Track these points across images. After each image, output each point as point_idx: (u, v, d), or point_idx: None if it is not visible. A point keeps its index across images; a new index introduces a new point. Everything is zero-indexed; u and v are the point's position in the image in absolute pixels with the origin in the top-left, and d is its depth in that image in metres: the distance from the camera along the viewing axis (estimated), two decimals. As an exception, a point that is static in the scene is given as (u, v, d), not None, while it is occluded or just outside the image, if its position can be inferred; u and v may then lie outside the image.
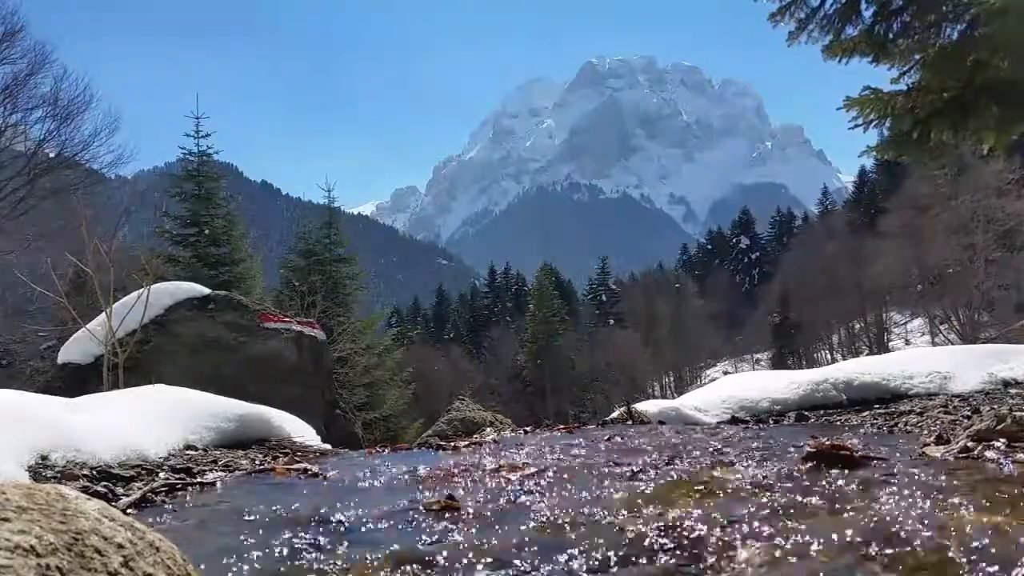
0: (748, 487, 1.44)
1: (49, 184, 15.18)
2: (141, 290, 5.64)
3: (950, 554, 0.93)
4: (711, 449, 2.14)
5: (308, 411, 4.44)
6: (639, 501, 1.36)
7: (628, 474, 1.67)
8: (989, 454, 1.62)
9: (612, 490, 1.48)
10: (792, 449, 1.97)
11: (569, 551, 1.04)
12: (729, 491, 1.40)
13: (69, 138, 15.73)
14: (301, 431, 2.92)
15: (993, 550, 0.93)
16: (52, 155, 15.75)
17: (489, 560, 1.02)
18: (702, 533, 1.09)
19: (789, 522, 1.14)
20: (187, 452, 2.20)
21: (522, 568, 0.99)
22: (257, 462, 2.20)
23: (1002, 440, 1.70)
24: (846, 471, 1.55)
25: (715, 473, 1.63)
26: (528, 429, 4.02)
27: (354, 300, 15.95)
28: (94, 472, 1.68)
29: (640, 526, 1.14)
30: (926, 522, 1.07)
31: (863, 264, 30.82)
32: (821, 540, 1.02)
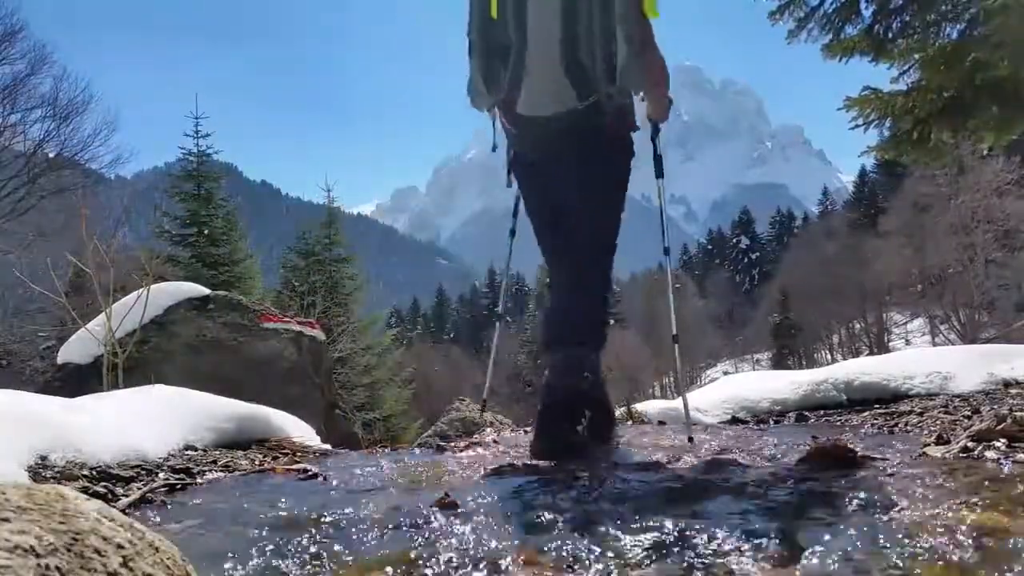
0: (748, 487, 1.44)
1: (49, 184, 15.20)
2: (141, 290, 5.64)
3: (950, 554, 0.93)
4: (711, 449, 2.14)
5: (308, 411, 4.44)
6: (639, 501, 1.36)
7: (627, 475, 1.67)
8: (989, 454, 1.62)
9: (611, 491, 1.48)
10: (792, 449, 1.97)
11: (565, 553, 1.04)
12: (729, 491, 1.40)
13: (68, 138, 15.78)
14: (301, 431, 2.92)
15: (993, 550, 0.93)
16: (51, 155, 15.79)
17: (488, 560, 1.02)
18: (702, 533, 1.09)
19: (789, 522, 1.14)
20: (187, 452, 2.20)
21: (520, 567, 0.99)
22: (257, 462, 2.20)
23: (1002, 440, 1.70)
24: (846, 471, 1.55)
25: (715, 473, 1.63)
26: (528, 429, 4.02)
27: (354, 300, 15.95)
28: (94, 472, 1.67)
29: (639, 526, 1.14)
30: (926, 522, 1.07)
31: (863, 264, 30.82)
32: (821, 540, 1.02)
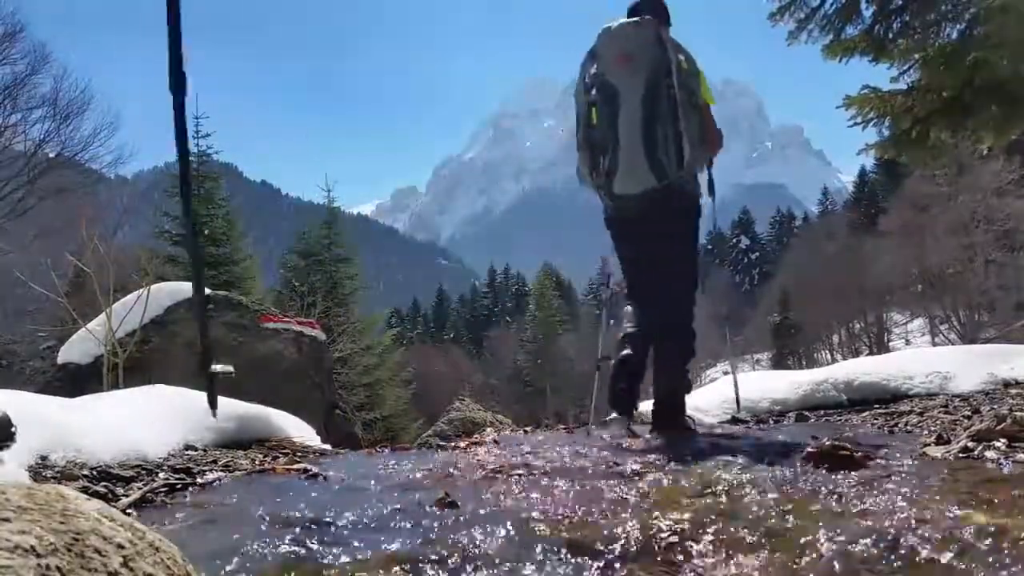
0: (748, 487, 1.44)
1: (49, 184, 15.20)
2: (141, 290, 5.64)
3: (950, 554, 0.93)
4: (711, 449, 2.14)
5: (308, 411, 4.43)
6: (638, 501, 1.36)
7: (628, 474, 1.67)
8: (989, 454, 1.62)
9: (611, 490, 1.48)
10: (792, 449, 1.97)
11: (567, 551, 1.04)
12: (729, 491, 1.40)
13: (69, 138, 15.78)
14: (301, 431, 2.92)
15: (993, 550, 0.93)
16: (52, 155, 15.79)
17: (488, 560, 1.02)
18: (701, 533, 1.09)
19: (789, 522, 1.14)
20: (187, 452, 2.20)
21: (520, 567, 0.99)
22: (257, 462, 2.20)
23: (1002, 440, 1.70)
24: (846, 471, 1.55)
25: (715, 473, 1.63)
26: (528, 429, 4.02)
27: (354, 300, 15.94)
28: (94, 472, 1.68)
29: (638, 525, 1.14)
30: (926, 522, 1.07)
31: (863, 264, 30.80)
32: (821, 540, 1.02)
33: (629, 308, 2.88)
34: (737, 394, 3.62)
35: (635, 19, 2.63)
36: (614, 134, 2.59)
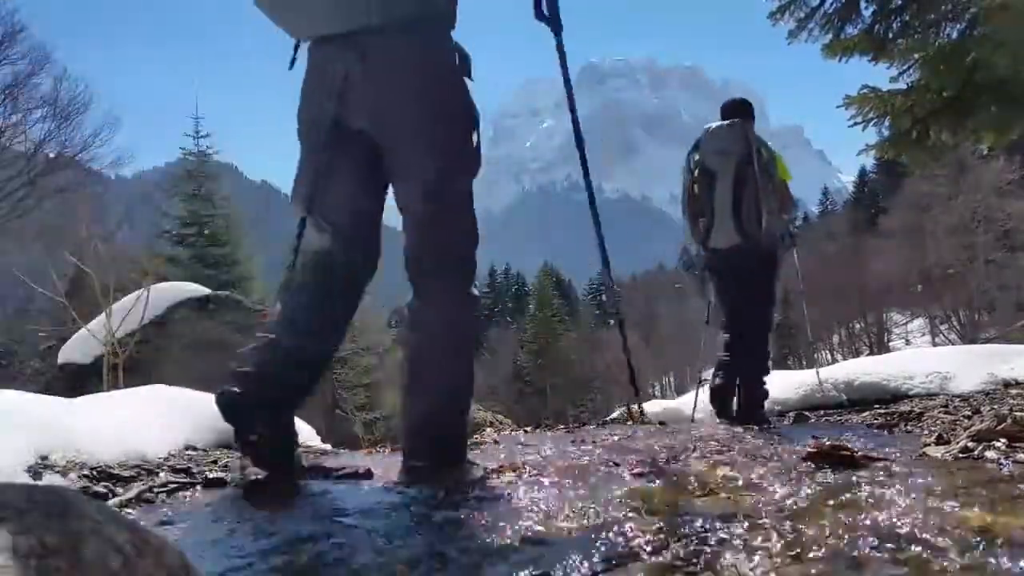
0: (748, 487, 1.44)
1: (49, 184, 15.22)
2: (141, 290, 5.64)
3: (950, 554, 0.93)
4: (711, 449, 2.14)
5: (308, 411, 4.43)
6: (638, 501, 1.36)
7: (628, 474, 1.67)
8: (989, 454, 1.62)
9: (611, 490, 1.48)
10: (792, 449, 1.97)
11: (568, 550, 1.04)
12: (729, 491, 1.40)
13: (69, 138, 15.82)
14: (301, 431, 2.92)
15: (993, 550, 0.93)
16: (52, 155, 15.81)
17: (488, 559, 1.02)
18: (701, 533, 1.09)
19: (789, 522, 1.14)
20: (187, 452, 2.20)
21: (521, 566, 0.99)
22: (257, 462, 2.19)
23: (1002, 440, 1.70)
24: (846, 471, 1.55)
25: (715, 473, 1.63)
26: (528, 429, 4.03)
27: (352, 302, 15.92)
28: (94, 472, 1.68)
29: (638, 525, 1.15)
30: (926, 522, 1.07)
31: (863, 264, 30.81)
32: (822, 540, 1.02)
33: (724, 335, 3.61)
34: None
35: (729, 122, 3.49)
36: (711, 204, 3.47)
